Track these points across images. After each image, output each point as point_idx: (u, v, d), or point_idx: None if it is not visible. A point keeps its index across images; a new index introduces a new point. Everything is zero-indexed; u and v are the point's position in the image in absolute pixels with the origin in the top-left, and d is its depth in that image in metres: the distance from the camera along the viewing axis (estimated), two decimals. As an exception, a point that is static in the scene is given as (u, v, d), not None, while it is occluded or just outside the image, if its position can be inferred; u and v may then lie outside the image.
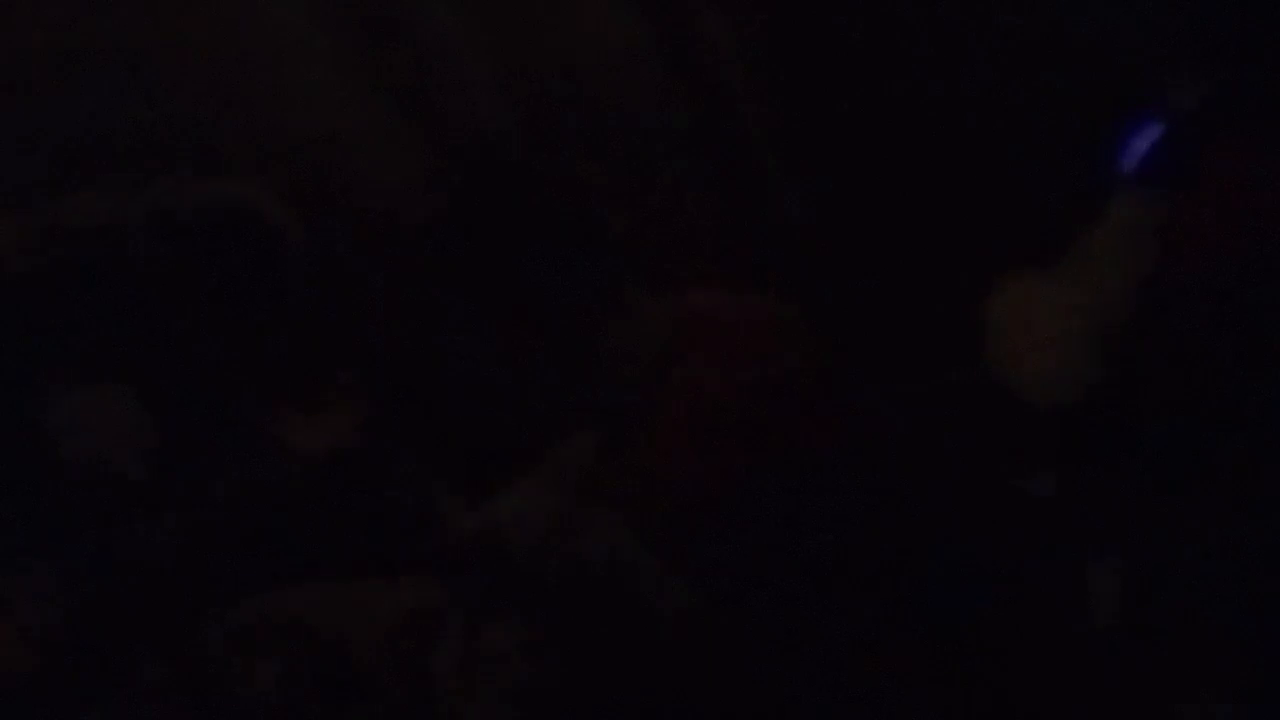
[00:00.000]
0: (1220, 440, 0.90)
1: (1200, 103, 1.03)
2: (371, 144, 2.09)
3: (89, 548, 1.58)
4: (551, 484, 1.17)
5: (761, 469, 0.94)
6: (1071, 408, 0.94)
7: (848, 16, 1.78)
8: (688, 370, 0.98)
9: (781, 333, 1.05)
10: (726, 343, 1.02)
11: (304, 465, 1.85)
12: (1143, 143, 1.07)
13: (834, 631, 0.92)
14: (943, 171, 1.68)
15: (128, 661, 1.28)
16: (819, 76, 1.85)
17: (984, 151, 1.67)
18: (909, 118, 1.73)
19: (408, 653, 1.20)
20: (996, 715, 0.93)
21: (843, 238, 1.82)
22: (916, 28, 1.72)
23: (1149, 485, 0.93)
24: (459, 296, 2.05)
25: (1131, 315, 0.92)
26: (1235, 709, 0.87)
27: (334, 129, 2.10)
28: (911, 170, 1.74)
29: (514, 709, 1.14)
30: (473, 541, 1.29)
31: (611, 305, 1.08)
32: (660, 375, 0.99)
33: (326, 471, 1.85)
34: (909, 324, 1.66)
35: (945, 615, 0.94)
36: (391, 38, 2.00)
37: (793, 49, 1.85)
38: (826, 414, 0.98)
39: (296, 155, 2.21)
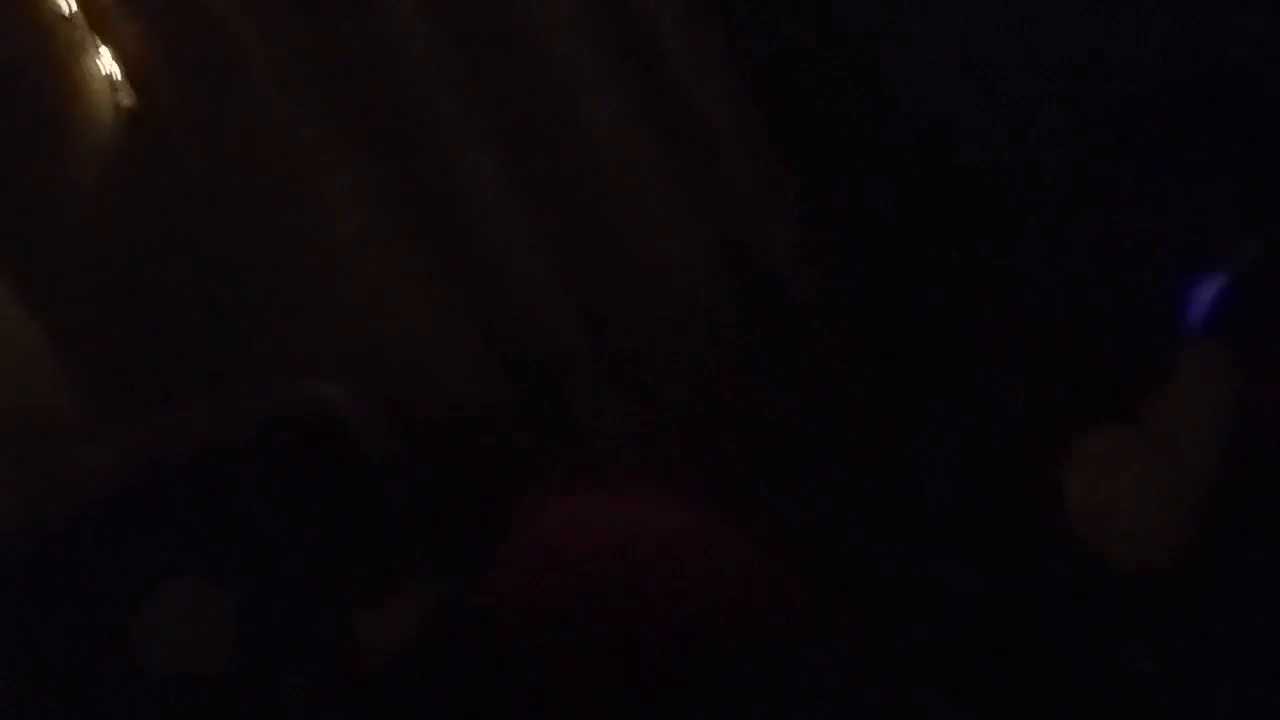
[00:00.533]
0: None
1: (1263, 255, 1.05)
2: (439, 348, 2.21)
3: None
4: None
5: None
6: (1162, 571, 0.90)
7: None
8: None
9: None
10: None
11: (375, 660, 1.83)
12: (1208, 297, 1.08)
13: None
14: (1007, 334, 1.69)
15: None
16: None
17: (1049, 312, 1.68)
18: (968, 282, 1.76)
19: None
20: None
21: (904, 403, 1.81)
22: (973, 188, 1.78)
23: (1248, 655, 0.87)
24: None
25: (1217, 472, 0.90)
26: None
27: (404, 334, 2.23)
28: (975, 336, 1.76)
29: None
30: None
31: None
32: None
33: (399, 666, 1.82)
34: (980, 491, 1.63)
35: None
36: (460, 246, 2.16)
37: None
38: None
39: (371, 358, 2.34)
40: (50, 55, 2.39)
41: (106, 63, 2.30)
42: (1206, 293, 1.09)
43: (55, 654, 1.78)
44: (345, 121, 2.10)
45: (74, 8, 2.28)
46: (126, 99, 2.33)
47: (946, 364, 1.81)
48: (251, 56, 2.10)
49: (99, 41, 2.28)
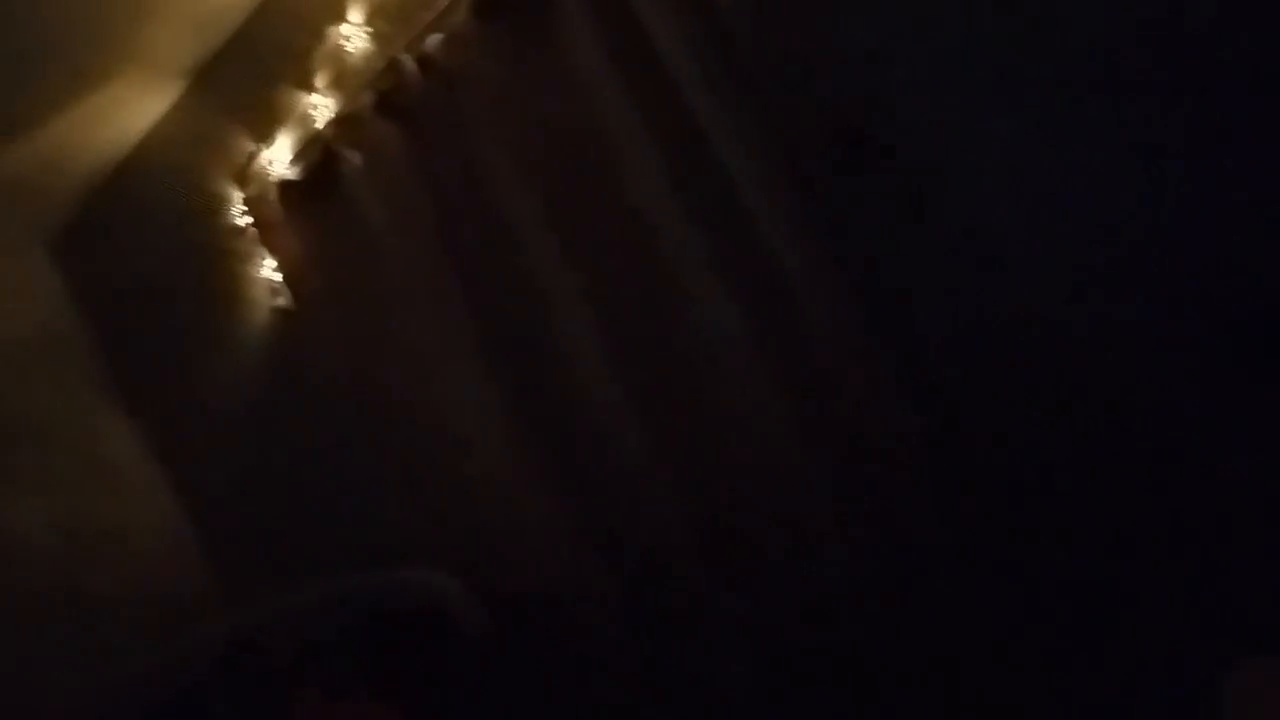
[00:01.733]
0: None
1: None
2: (549, 543, 2.25)
3: None
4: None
5: None
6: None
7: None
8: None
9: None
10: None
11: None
12: None
13: None
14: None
15: None
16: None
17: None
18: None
19: None
20: None
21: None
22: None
23: None
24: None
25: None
26: None
27: (515, 522, 2.29)
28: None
29: None
30: None
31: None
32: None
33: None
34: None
35: None
36: (572, 444, 2.24)
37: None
38: None
39: (480, 544, 2.40)
40: (222, 260, 2.72)
41: (269, 269, 2.59)
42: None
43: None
44: (476, 329, 2.22)
45: (247, 222, 2.59)
46: (283, 301, 2.59)
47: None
48: (395, 270, 2.30)
49: (265, 251, 2.57)
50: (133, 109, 2.65)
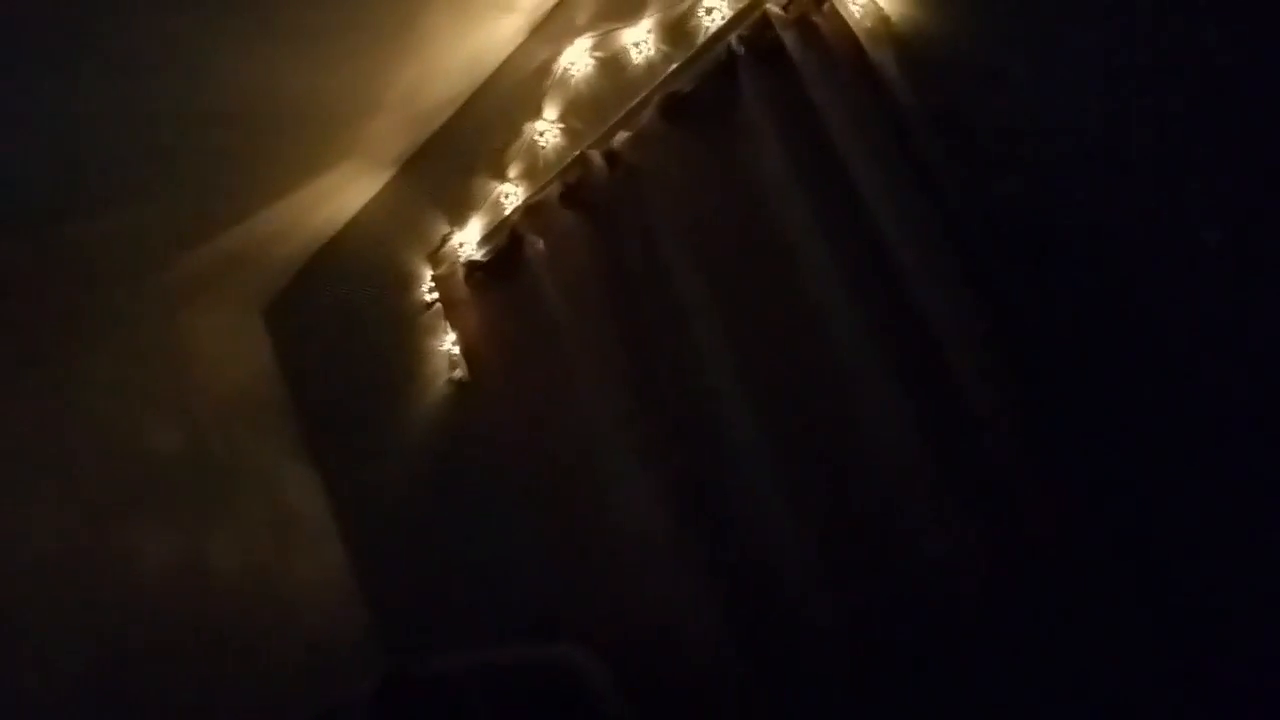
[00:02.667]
0: None
1: None
2: (694, 623, 2.22)
3: None
4: None
5: None
6: None
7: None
8: None
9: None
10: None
11: None
12: None
13: None
14: None
15: None
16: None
17: None
18: None
19: None
20: None
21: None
22: None
23: None
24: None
25: None
26: None
27: (664, 605, 2.27)
28: None
29: None
30: None
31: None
32: None
33: None
34: None
35: None
36: (728, 533, 2.20)
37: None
38: None
39: (627, 623, 2.39)
40: (411, 333, 2.92)
41: (449, 342, 2.76)
42: None
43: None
44: (642, 412, 2.27)
45: (435, 298, 2.78)
46: (461, 374, 2.75)
47: None
48: (568, 351, 2.39)
49: (448, 325, 2.73)
50: (347, 193, 2.93)
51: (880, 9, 1.93)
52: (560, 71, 2.44)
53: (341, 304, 3.14)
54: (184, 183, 2.49)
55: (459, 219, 2.72)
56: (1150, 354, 1.67)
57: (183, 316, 3.21)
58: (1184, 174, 1.61)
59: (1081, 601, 1.72)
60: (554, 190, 2.42)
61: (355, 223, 3.08)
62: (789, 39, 1.96)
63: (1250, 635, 1.60)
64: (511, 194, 2.60)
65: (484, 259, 2.63)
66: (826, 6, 1.93)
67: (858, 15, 1.94)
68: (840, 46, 1.93)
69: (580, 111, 2.46)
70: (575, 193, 2.39)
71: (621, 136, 2.28)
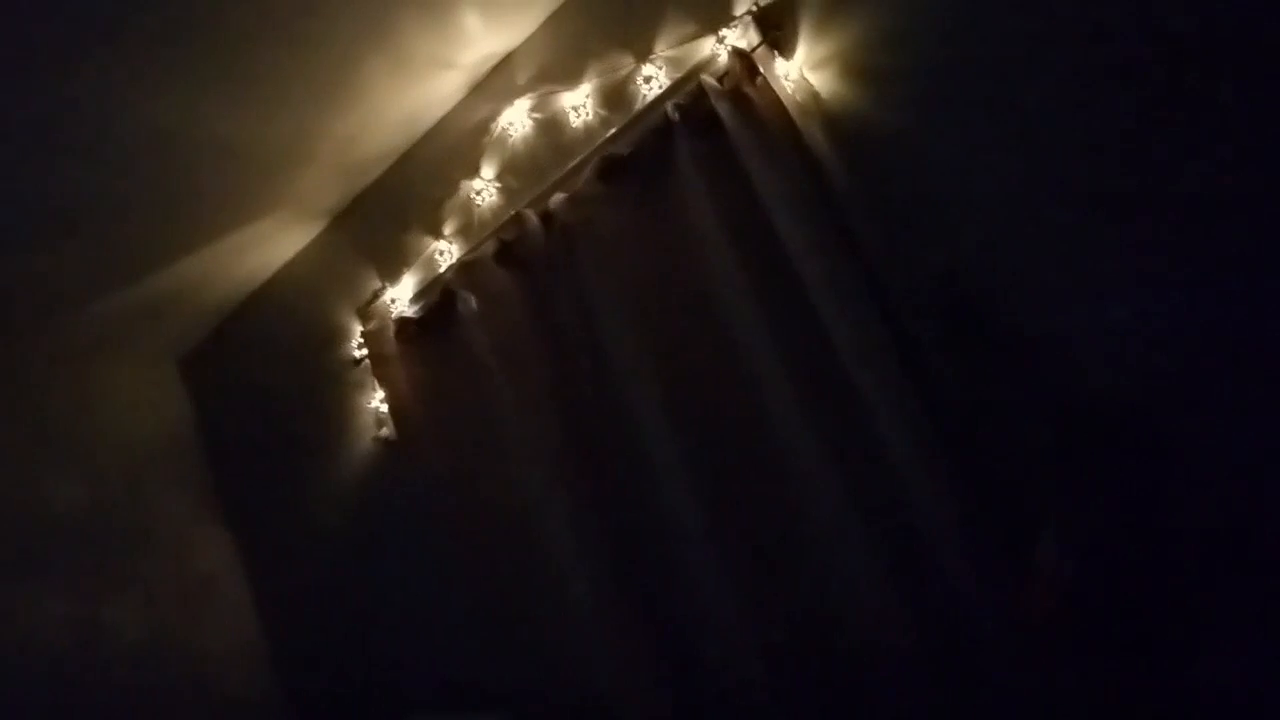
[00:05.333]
0: None
1: None
2: (628, 689, 2.16)
3: None
4: None
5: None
6: None
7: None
8: None
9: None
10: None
11: None
12: None
13: None
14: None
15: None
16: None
17: None
18: None
19: None
20: None
21: None
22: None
23: None
24: None
25: None
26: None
27: (595, 670, 2.21)
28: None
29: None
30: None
31: None
32: None
33: None
34: None
35: None
36: (663, 596, 2.16)
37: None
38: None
39: (553, 691, 2.32)
40: (336, 389, 2.84)
41: (377, 400, 2.69)
42: None
43: None
44: (574, 473, 2.23)
45: (363, 354, 2.72)
46: (388, 431, 2.68)
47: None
48: (498, 409, 2.35)
49: (376, 382, 2.67)
50: (274, 243, 2.87)
51: (810, 85, 2.00)
52: (499, 130, 2.46)
53: (264, 357, 3.05)
54: (98, 225, 2.40)
55: (391, 274, 2.69)
56: (1079, 420, 1.71)
57: (93, 365, 3.07)
58: (1098, 249, 1.68)
59: (1025, 684, 1.72)
60: (489, 248, 2.40)
61: (283, 274, 3.01)
62: (723, 109, 2.01)
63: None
64: (446, 251, 2.58)
65: (415, 315, 2.59)
66: (760, 80, 1.99)
67: (789, 90, 2.01)
68: (772, 118, 1.98)
69: (517, 171, 2.46)
70: (510, 251, 2.38)
71: (558, 197, 2.29)
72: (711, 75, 2.06)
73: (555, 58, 2.38)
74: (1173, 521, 1.62)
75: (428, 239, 2.62)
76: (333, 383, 2.83)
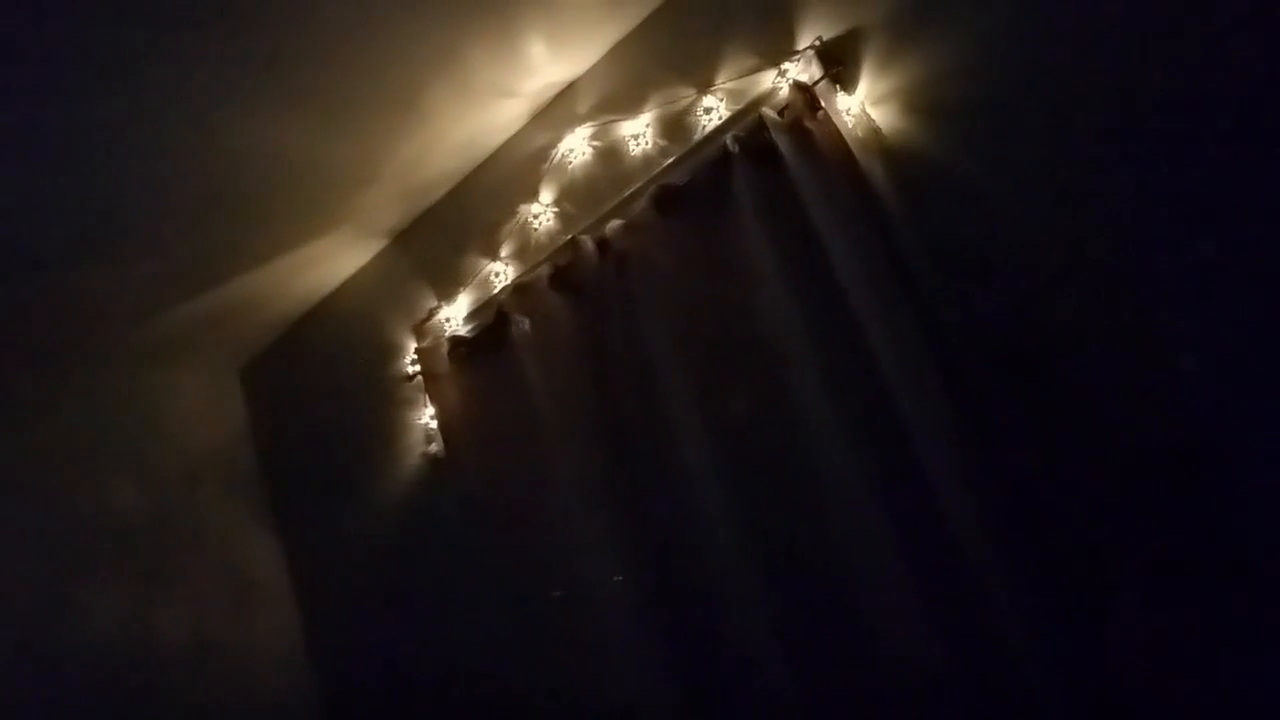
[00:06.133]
0: None
1: None
2: (654, 703, 2.15)
3: None
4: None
5: None
6: None
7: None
8: None
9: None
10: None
11: None
12: None
13: None
14: None
15: None
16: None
17: None
18: None
19: None
20: None
21: None
22: None
23: None
24: None
25: None
26: None
27: (629, 693, 2.20)
28: None
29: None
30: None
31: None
32: None
33: None
34: None
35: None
36: (694, 627, 2.16)
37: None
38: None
39: (588, 712, 2.30)
40: (388, 405, 2.89)
41: (428, 416, 2.73)
42: None
43: None
44: (616, 497, 2.24)
45: (416, 370, 2.76)
46: (437, 448, 2.71)
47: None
48: (545, 431, 2.37)
49: (427, 399, 2.71)
50: (336, 261, 2.94)
51: (872, 120, 1.98)
52: (558, 157, 2.49)
53: (322, 371, 3.12)
54: (168, 238, 2.49)
55: (447, 294, 2.73)
56: (1127, 468, 1.66)
57: (158, 373, 3.17)
58: (1161, 296, 1.63)
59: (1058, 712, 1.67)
60: (543, 271, 2.43)
61: (342, 290, 3.09)
62: (782, 141, 2.01)
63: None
64: (501, 273, 2.62)
65: (469, 334, 2.62)
66: (820, 114, 1.99)
67: (850, 124, 2.00)
68: (831, 152, 1.97)
69: (574, 197, 2.49)
70: (564, 275, 2.40)
71: (614, 224, 2.30)
72: (772, 108, 2.07)
73: (617, 87, 2.41)
74: (1232, 565, 1.56)
75: (484, 261, 2.66)
76: (386, 398, 2.88)
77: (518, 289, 2.50)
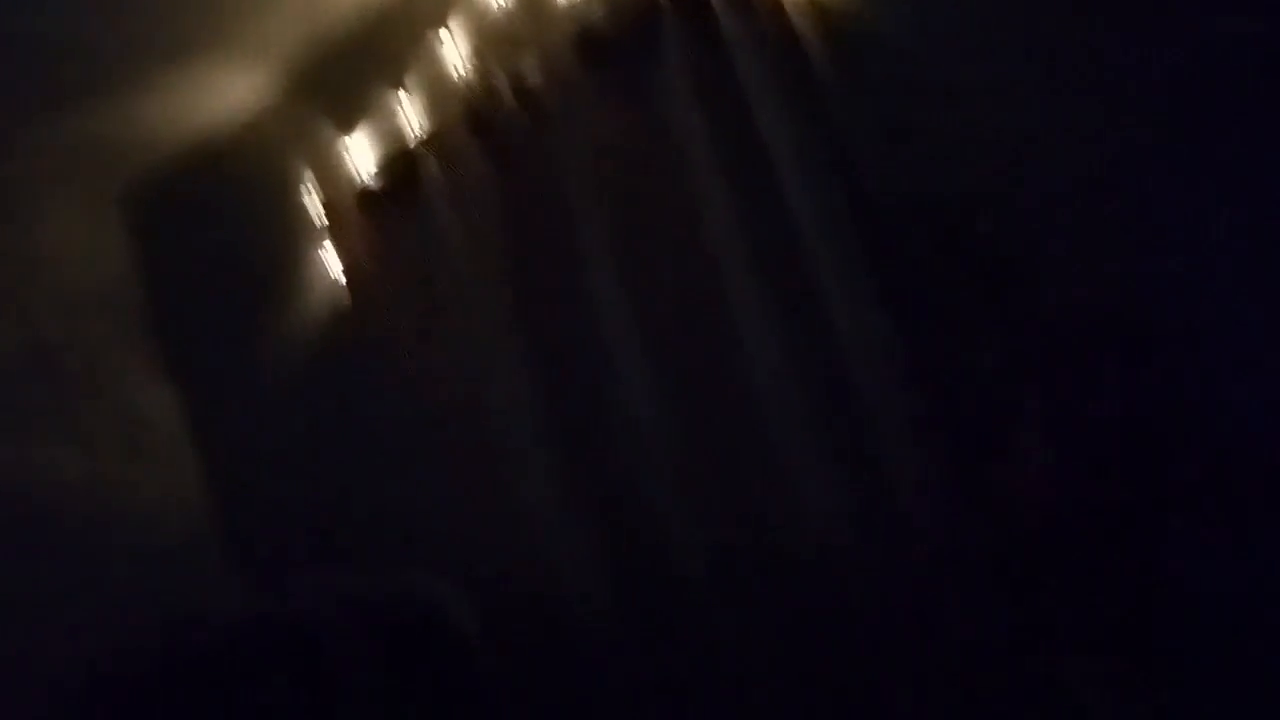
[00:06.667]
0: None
1: None
2: (562, 554, 2.26)
3: None
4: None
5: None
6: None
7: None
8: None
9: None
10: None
11: None
12: None
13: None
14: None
15: None
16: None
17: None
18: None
19: None
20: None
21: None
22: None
23: None
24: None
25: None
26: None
27: (533, 537, 2.30)
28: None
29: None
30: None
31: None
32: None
33: None
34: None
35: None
36: (605, 464, 2.25)
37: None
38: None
39: (497, 552, 2.41)
40: (289, 248, 2.76)
41: (332, 263, 2.63)
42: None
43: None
44: (529, 349, 2.24)
45: (320, 213, 2.63)
46: (342, 298, 2.62)
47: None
48: (457, 283, 2.34)
49: (330, 247, 2.60)
50: (229, 89, 2.70)
51: (811, -22, 1.92)
52: (475, -8, 2.31)
53: (214, 209, 2.92)
54: (40, 57, 2.25)
55: (348, 125, 2.57)
56: (1046, 330, 1.77)
57: (30, 209, 2.92)
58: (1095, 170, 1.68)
59: (949, 571, 1.83)
60: (457, 117, 2.33)
61: (236, 122, 2.84)
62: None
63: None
64: (410, 115, 2.47)
65: (377, 181, 2.51)
66: (755, -34, 1.91)
67: (787, -21, 1.93)
68: (765, 11, 1.91)
69: (492, 40, 2.33)
70: (480, 121, 2.30)
71: (534, 71, 2.20)
72: (705, -44, 1.97)
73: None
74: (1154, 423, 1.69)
75: (391, 94, 2.49)
76: (286, 242, 2.74)
77: (431, 137, 2.39)
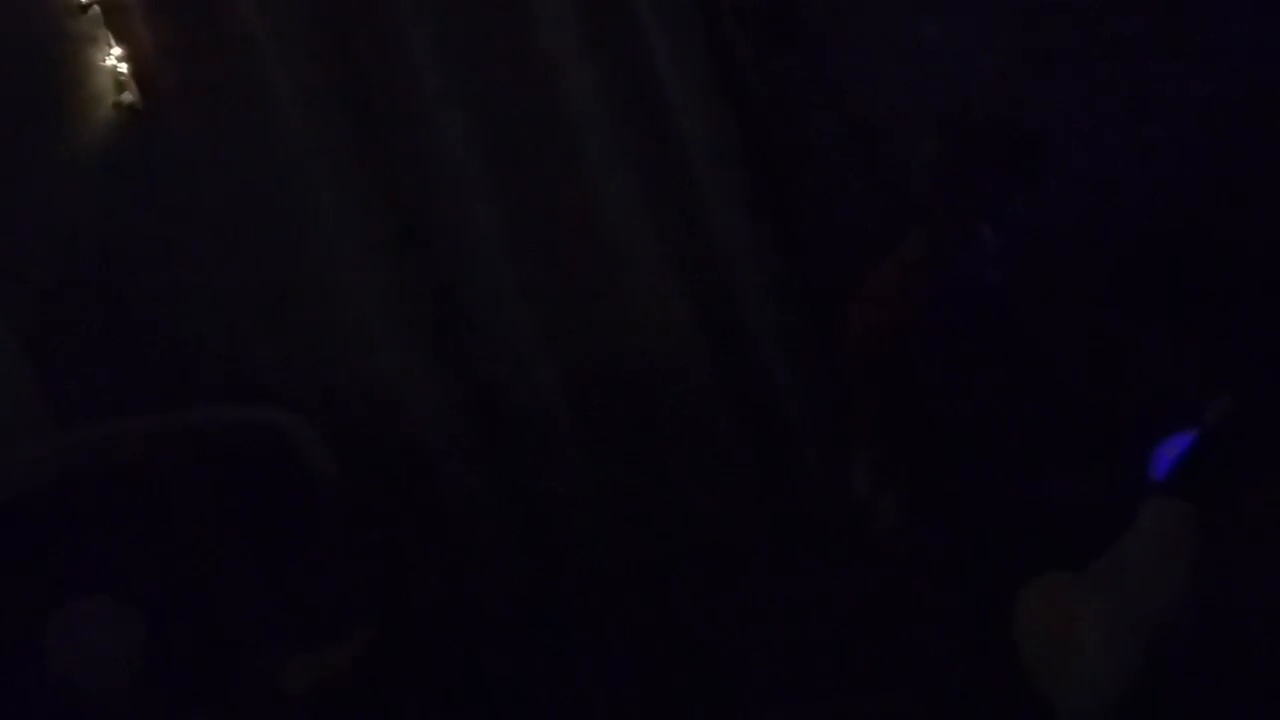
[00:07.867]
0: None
1: (1232, 413, 1.07)
2: (412, 388, 2.19)
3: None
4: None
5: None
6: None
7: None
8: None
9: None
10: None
11: (290, 706, 1.76)
12: (1176, 452, 1.09)
13: None
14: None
15: None
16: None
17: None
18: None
19: None
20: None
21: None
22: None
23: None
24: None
25: (1170, 622, 0.89)
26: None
27: (381, 372, 2.21)
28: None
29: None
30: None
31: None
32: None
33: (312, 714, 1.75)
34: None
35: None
36: (447, 297, 2.15)
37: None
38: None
39: (339, 386, 2.30)
40: (59, 44, 2.37)
41: (115, 58, 2.29)
42: (1175, 448, 1.11)
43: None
44: (353, 149, 2.08)
45: (90, 2, 2.26)
46: (130, 97, 2.31)
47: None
48: (267, 77, 2.10)
49: (111, 38, 2.26)
50: None
51: None
52: None
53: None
54: None
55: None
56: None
57: None
58: None
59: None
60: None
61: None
62: None
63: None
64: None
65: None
66: None
67: None
68: None
69: None
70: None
71: None
72: None
73: None
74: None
75: None
76: (55, 37, 2.35)
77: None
